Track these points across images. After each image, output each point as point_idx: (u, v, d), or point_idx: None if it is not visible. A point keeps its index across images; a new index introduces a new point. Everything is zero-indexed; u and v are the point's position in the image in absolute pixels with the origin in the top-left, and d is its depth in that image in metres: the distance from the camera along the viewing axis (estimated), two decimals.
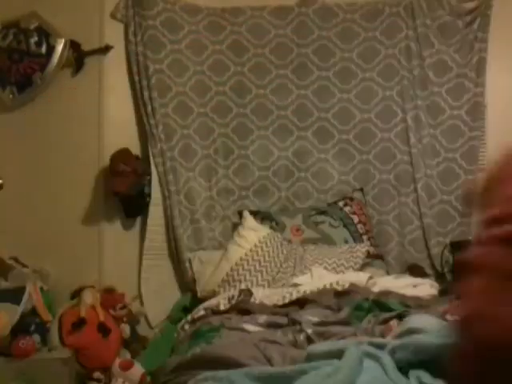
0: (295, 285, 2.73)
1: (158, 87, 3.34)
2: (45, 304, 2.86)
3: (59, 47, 3.22)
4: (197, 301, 3.00)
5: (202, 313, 2.52)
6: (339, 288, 2.51)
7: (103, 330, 2.80)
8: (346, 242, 3.27)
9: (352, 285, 2.54)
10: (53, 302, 2.98)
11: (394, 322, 1.93)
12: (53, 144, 3.25)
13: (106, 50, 3.29)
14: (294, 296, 2.47)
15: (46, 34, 3.22)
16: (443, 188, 3.48)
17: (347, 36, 3.49)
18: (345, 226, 3.31)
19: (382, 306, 2.27)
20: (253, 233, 3.13)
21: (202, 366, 1.63)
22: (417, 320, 1.62)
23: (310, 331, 1.93)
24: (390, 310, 2.19)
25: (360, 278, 2.69)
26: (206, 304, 2.61)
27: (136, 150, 3.35)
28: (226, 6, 3.50)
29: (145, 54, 3.33)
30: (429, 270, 3.41)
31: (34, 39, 3.21)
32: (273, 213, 3.41)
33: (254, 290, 2.67)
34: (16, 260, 3.07)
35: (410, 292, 2.58)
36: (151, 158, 3.33)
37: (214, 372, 1.50)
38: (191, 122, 3.44)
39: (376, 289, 2.54)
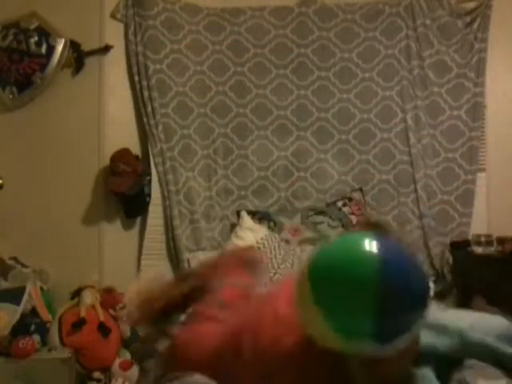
0: None
1: (158, 87, 3.34)
2: (45, 304, 2.87)
3: (59, 47, 3.23)
4: None
5: None
6: None
7: (103, 330, 2.80)
8: None
9: None
10: (53, 301, 2.98)
11: None
12: (53, 144, 3.26)
13: (105, 49, 3.29)
14: None
15: (46, 34, 3.23)
16: (443, 188, 3.47)
17: (347, 36, 3.49)
18: (343, 226, 3.31)
19: None
20: (250, 233, 3.14)
21: None
22: None
23: None
24: None
25: None
26: None
27: (136, 149, 3.35)
28: (226, 6, 3.51)
29: (145, 54, 3.33)
30: (429, 270, 3.41)
31: (34, 39, 3.22)
32: (271, 213, 3.41)
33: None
34: (16, 260, 3.08)
35: None
36: (151, 157, 3.34)
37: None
38: (191, 121, 3.45)
39: None
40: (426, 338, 1.31)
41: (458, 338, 1.36)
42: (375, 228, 1.24)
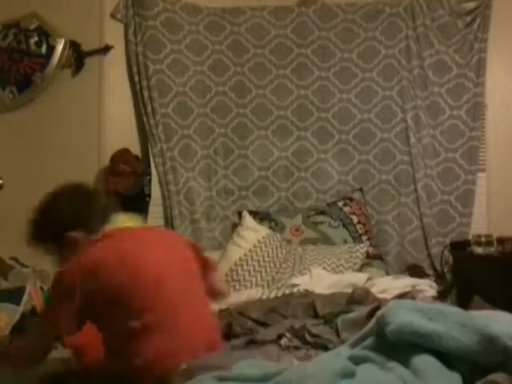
0: (294, 285, 2.73)
1: (158, 87, 3.34)
2: (45, 304, 2.86)
3: (59, 47, 3.23)
4: None
5: None
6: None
7: None
8: (346, 242, 3.26)
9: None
10: None
11: None
12: (53, 144, 3.26)
13: (105, 49, 3.29)
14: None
15: (46, 34, 3.23)
16: (443, 188, 3.47)
17: (347, 36, 3.49)
18: (344, 226, 3.31)
19: None
20: (252, 233, 3.12)
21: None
22: None
23: None
24: None
25: (358, 278, 2.69)
26: None
27: (136, 150, 3.36)
28: (226, 6, 3.51)
29: (145, 54, 3.33)
30: (429, 270, 3.41)
31: (34, 39, 3.22)
32: (272, 213, 3.41)
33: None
34: (16, 260, 3.07)
35: None
36: (151, 157, 3.34)
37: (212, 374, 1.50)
38: (191, 121, 3.45)
39: (375, 289, 2.54)
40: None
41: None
42: None
